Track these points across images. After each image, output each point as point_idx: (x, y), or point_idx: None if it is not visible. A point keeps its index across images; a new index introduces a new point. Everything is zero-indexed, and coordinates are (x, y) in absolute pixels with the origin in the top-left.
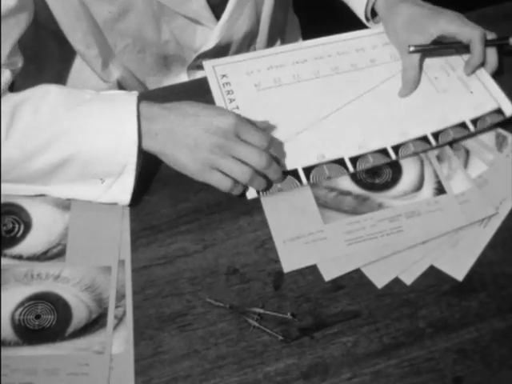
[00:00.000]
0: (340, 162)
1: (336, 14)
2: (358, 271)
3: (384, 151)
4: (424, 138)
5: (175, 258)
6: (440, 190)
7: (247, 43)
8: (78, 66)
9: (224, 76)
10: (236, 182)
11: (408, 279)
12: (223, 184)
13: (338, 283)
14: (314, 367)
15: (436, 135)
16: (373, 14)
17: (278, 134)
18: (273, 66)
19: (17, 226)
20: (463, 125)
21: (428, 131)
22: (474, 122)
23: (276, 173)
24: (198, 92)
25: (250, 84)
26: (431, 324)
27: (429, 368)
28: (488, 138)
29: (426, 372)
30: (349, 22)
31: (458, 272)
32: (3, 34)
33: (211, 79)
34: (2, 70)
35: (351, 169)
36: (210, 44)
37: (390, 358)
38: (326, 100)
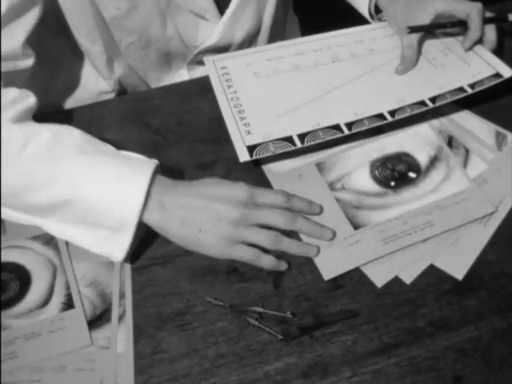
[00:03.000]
0: (335, 127)
1: (336, 14)
2: (357, 270)
3: (380, 115)
4: (421, 102)
5: (175, 257)
6: (69, 304)
7: (248, 42)
8: (76, 64)
9: (223, 68)
10: (263, 251)
11: (408, 278)
12: (249, 255)
13: (337, 282)
14: (313, 366)
15: (433, 99)
16: (376, 10)
17: (273, 111)
18: (272, 58)
19: None
20: (461, 89)
21: (425, 96)
22: (472, 86)
23: (307, 226)
24: (198, 91)
25: (248, 72)
26: (431, 323)
27: (429, 367)
28: (488, 136)
29: (425, 371)
30: (349, 22)
31: (458, 271)
32: (17, 22)
33: (211, 71)
34: (26, 94)
35: (346, 131)
36: (212, 40)
37: (389, 357)
38: (323, 82)
